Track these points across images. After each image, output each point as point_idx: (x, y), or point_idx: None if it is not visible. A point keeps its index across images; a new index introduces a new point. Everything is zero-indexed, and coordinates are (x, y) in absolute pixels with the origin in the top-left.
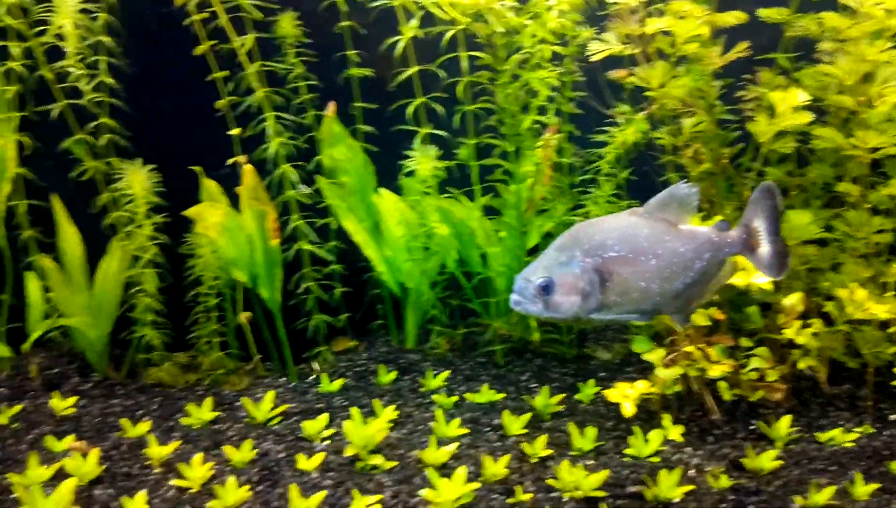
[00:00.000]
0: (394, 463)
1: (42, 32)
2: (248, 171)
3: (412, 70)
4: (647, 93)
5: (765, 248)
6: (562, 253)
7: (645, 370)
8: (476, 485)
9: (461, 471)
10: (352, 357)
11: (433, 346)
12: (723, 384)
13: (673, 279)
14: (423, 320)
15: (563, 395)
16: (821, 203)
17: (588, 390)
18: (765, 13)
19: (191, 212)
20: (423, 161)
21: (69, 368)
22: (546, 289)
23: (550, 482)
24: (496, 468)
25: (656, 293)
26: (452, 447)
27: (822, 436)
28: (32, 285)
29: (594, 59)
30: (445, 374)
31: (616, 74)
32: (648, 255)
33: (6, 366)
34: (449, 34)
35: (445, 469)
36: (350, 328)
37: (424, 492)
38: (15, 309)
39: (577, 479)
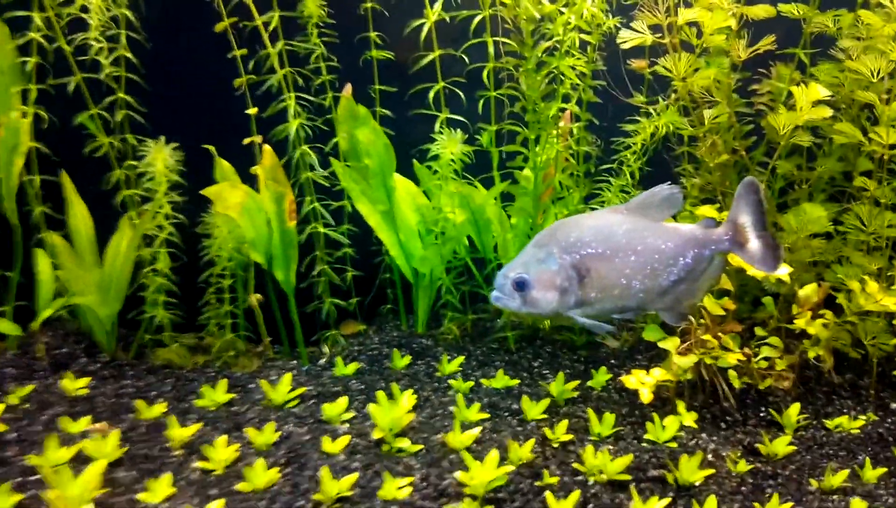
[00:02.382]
0: (419, 447)
1: (64, 3)
2: (267, 151)
3: (434, 54)
4: (675, 83)
5: (754, 243)
6: (539, 250)
7: (653, 359)
8: (509, 468)
9: (493, 454)
10: (363, 341)
11: (445, 331)
12: (732, 373)
13: (656, 276)
14: (434, 305)
15: (577, 382)
16: (824, 197)
17: (600, 377)
18: (786, 8)
19: (210, 192)
20: (450, 144)
21: (77, 348)
22: (521, 285)
23: (576, 465)
24: (522, 451)
25: (639, 290)
26: (476, 431)
27: (830, 423)
28: (42, 263)
29: (625, 46)
30: (460, 359)
31: (636, 64)
32: (627, 251)
33: (13, 345)
34: (477, 19)
35: (470, 453)
36: (358, 312)
37: (458, 475)
38: (21, 286)
39: (601, 463)
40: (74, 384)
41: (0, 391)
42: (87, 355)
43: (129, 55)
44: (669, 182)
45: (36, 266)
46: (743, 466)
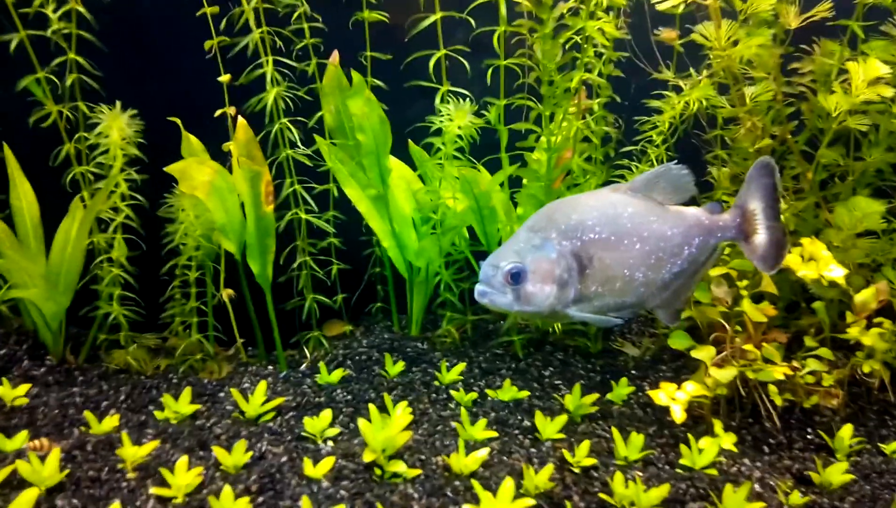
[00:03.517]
0: (418, 471)
1: None
2: (241, 125)
3: (435, 16)
4: (714, 52)
5: (761, 235)
6: (535, 235)
7: (679, 370)
8: (528, 502)
9: (508, 483)
10: (350, 344)
11: (443, 334)
12: (773, 389)
13: (660, 267)
14: (430, 304)
15: (596, 395)
16: (869, 191)
17: (621, 389)
18: None
19: (174, 169)
20: (458, 115)
21: (18, 349)
22: (516, 277)
23: (603, 496)
24: (539, 479)
25: (641, 283)
26: (483, 452)
27: (887, 448)
28: None
29: (661, 7)
30: (461, 366)
31: (665, 34)
32: (633, 238)
33: None
34: None
35: (477, 479)
36: (344, 311)
37: None
38: None
39: (633, 494)
40: (12, 392)
41: None
42: (29, 357)
43: (81, 9)
44: (675, 161)
45: None
46: (797, 498)
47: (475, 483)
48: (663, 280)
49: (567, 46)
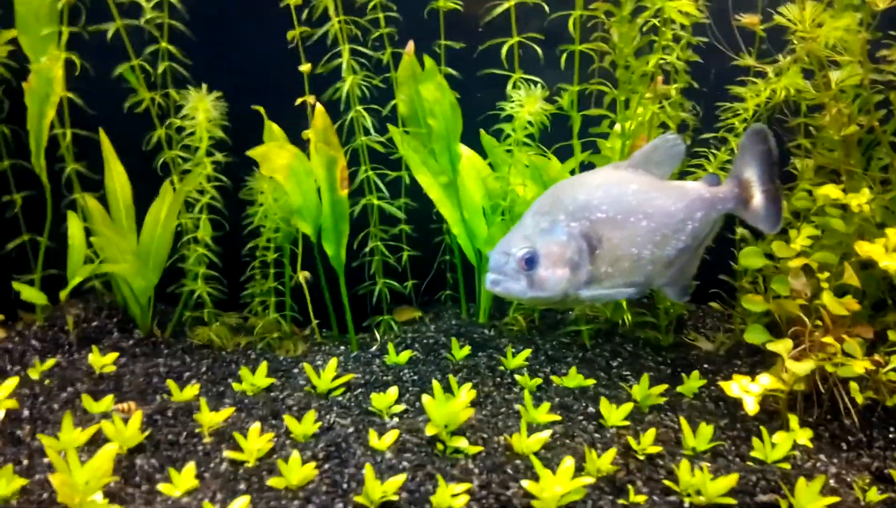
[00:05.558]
0: (479, 448)
1: None
2: (319, 111)
3: (509, 3)
4: (799, 33)
5: (757, 200)
6: (542, 218)
7: (755, 366)
8: (587, 480)
9: (568, 462)
10: (418, 329)
11: (510, 321)
12: (854, 386)
13: (664, 244)
14: None
15: (665, 386)
16: None
17: (692, 382)
18: None
19: (256, 153)
20: (528, 101)
21: (109, 322)
22: (530, 262)
23: (667, 483)
24: (602, 462)
25: (648, 261)
26: (545, 434)
27: None
28: (74, 226)
29: None
30: (526, 353)
31: (747, 19)
32: (638, 215)
33: (40, 316)
34: None
35: (539, 459)
36: (414, 297)
37: (526, 484)
38: (52, 253)
39: (699, 482)
40: (101, 360)
41: (20, 365)
42: (119, 330)
43: (172, 0)
44: (669, 131)
45: (68, 230)
46: (874, 495)
47: (535, 460)
48: (669, 257)
49: (644, 29)
